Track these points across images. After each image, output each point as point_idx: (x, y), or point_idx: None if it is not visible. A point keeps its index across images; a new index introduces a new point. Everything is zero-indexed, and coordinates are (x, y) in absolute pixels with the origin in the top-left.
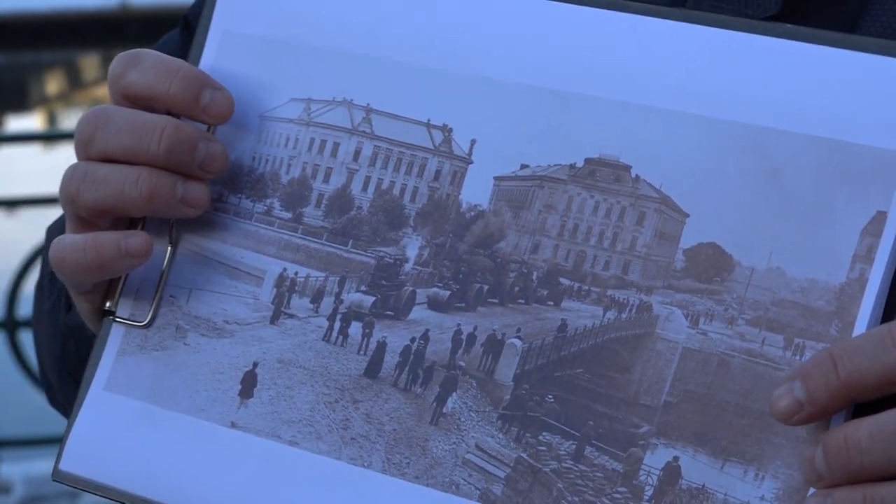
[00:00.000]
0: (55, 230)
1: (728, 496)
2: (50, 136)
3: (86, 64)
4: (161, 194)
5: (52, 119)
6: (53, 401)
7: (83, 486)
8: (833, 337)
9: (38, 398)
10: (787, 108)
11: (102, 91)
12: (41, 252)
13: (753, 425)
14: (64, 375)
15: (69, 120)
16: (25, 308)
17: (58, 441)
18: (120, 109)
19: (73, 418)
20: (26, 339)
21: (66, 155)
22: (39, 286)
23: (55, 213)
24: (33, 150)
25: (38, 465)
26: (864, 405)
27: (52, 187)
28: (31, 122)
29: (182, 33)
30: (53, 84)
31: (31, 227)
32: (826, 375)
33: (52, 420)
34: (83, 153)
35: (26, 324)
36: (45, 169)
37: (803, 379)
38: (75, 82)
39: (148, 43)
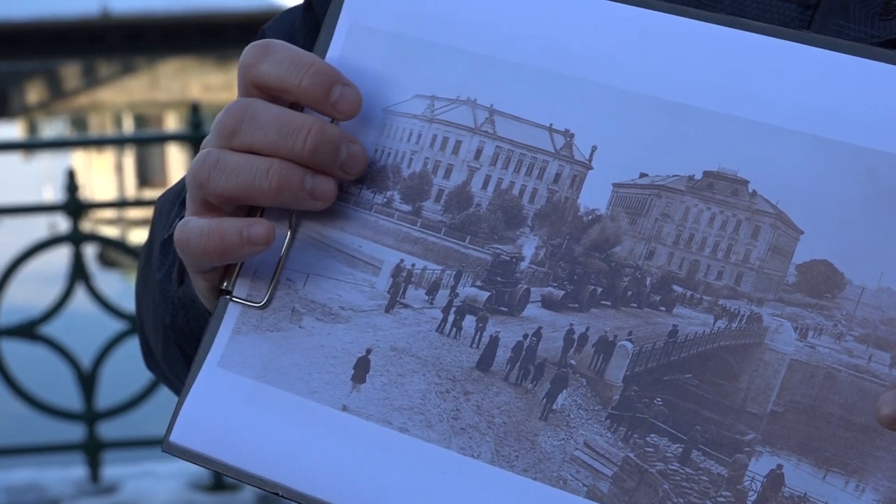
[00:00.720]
0: (165, 201)
1: None
2: (30, 145)
3: (66, 73)
4: (290, 187)
5: (32, 128)
6: (151, 365)
7: (192, 459)
8: None
9: (18, 407)
10: None
11: (83, 100)
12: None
13: (857, 438)
14: (170, 344)
15: (49, 129)
16: (7, 317)
17: (38, 450)
18: (266, 105)
19: (186, 392)
20: (6, 347)
21: (46, 164)
22: (147, 255)
23: (37, 221)
24: (14, 159)
25: (18, 475)
26: None
27: (33, 195)
28: (12, 130)
29: (305, 14)
30: (34, 93)
31: (12, 236)
32: None
33: (31, 429)
34: (224, 142)
35: (7, 332)
36: (25, 177)
37: None
38: (56, 91)
39: (129, 53)
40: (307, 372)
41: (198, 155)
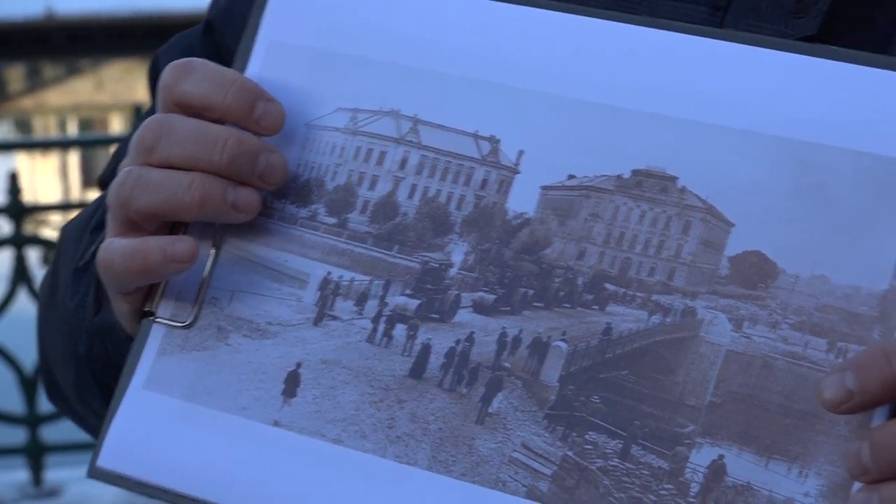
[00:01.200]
0: (73, 229)
1: (773, 493)
2: None
3: (10, 75)
4: (213, 199)
5: None
6: (54, 397)
7: (121, 483)
8: (876, 341)
9: None
10: (832, 124)
11: (28, 102)
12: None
13: (796, 424)
14: (84, 374)
15: None
16: None
17: None
18: (183, 119)
19: (111, 416)
20: None
21: None
22: (52, 284)
23: None
24: None
25: None
26: None
27: None
28: None
29: (205, 37)
30: None
31: None
32: (879, 368)
33: None
34: (143, 159)
35: None
36: None
37: (855, 370)
38: (1, 94)
39: (74, 54)
40: (236, 389)
41: (118, 175)
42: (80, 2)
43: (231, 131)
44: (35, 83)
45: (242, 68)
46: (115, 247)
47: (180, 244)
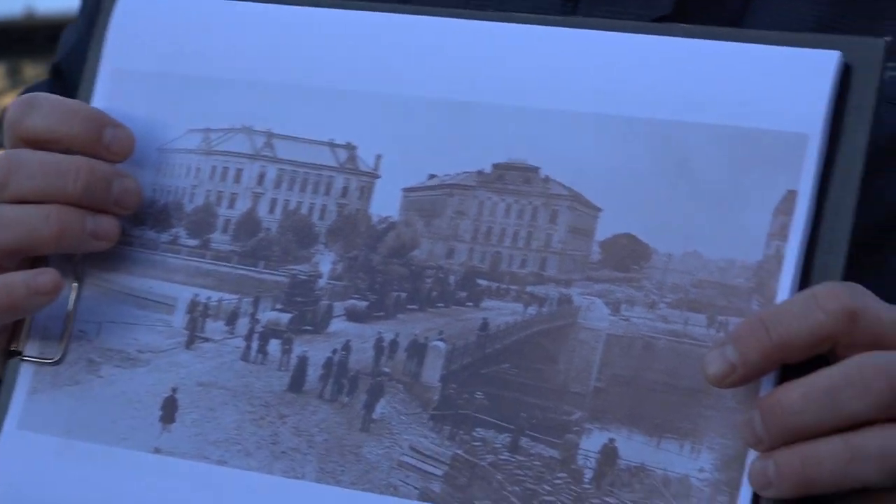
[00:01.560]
0: None
1: (667, 471)
2: None
3: None
4: (71, 230)
5: None
6: None
7: None
8: (754, 312)
9: None
10: (690, 101)
11: (8, 101)
12: None
13: (684, 402)
14: None
15: None
16: None
17: None
18: (31, 153)
19: None
20: None
21: None
22: None
23: None
24: None
25: None
26: (788, 372)
27: None
28: None
29: (54, 82)
30: None
31: None
32: (758, 338)
33: None
34: None
35: None
36: None
37: (735, 342)
38: None
39: (55, 53)
40: (113, 420)
41: None
42: (60, 1)
43: (82, 160)
44: (15, 82)
45: (88, 98)
46: None
47: (43, 276)
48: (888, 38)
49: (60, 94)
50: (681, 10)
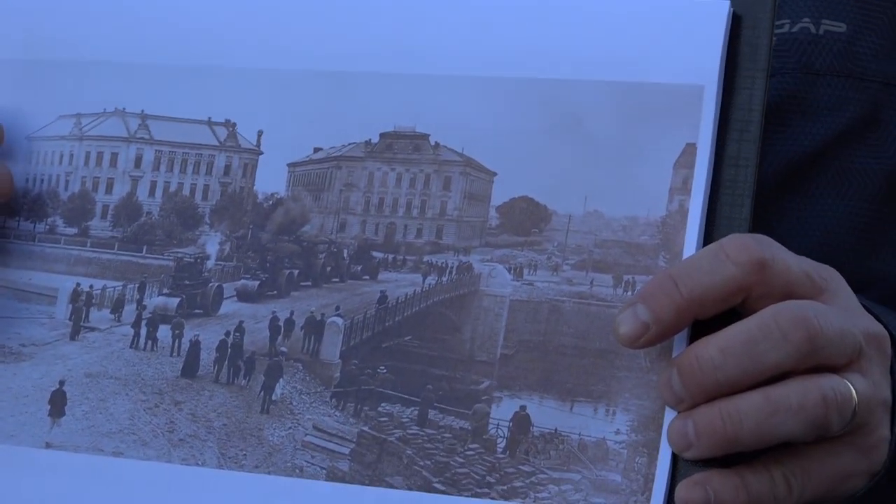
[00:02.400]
0: None
1: (582, 435)
2: None
3: None
4: None
5: None
6: None
7: None
8: (662, 268)
9: None
10: (580, 57)
11: None
12: None
13: (595, 364)
14: None
15: None
16: None
17: None
18: None
19: None
20: None
21: None
22: None
23: None
24: None
25: None
26: (699, 329)
27: None
28: None
29: None
30: None
31: None
32: (669, 295)
33: None
34: None
35: None
36: None
37: (646, 301)
38: None
39: None
40: (0, 418)
41: None
42: None
43: None
44: None
45: None
46: None
47: None
48: None
49: None
50: None
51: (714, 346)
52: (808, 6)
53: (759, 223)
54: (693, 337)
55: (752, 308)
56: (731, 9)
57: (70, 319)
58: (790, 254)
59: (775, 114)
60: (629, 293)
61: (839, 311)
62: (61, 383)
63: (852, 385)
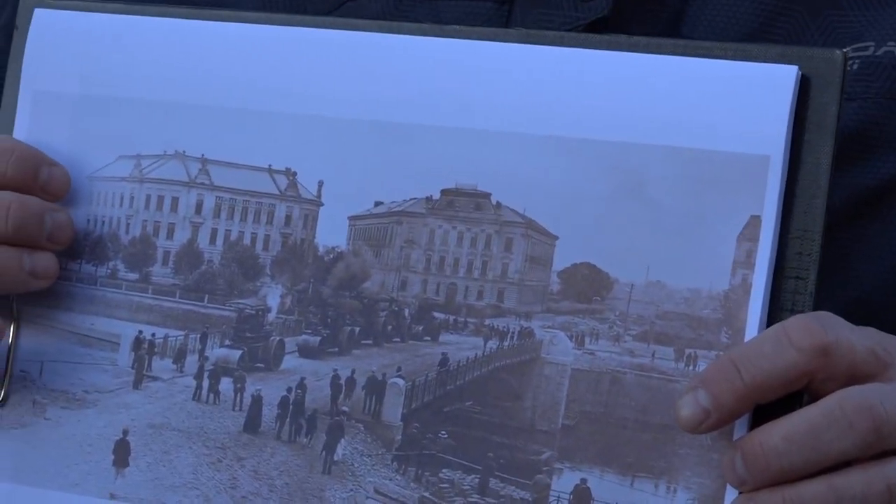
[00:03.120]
0: None
1: None
2: None
3: None
4: (9, 271)
5: None
6: None
7: None
8: (724, 344)
9: None
10: (644, 121)
11: None
12: None
13: (656, 438)
14: None
15: None
16: None
17: None
18: None
19: None
20: None
21: None
22: None
23: None
24: None
25: None
26: (760, 408)
27: None
28: None
29: None
30: None
31: None
32: (731, 381)
33: None
34: None
35: None
36: None
37: (706, 386)
38: None
39: None
40: (64, 465)
41: None
42: None
43: (11, 196)
44: None
45: (10, 121)
46: None
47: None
48: (846, 50)
49: None
50: (618, 10)
51: (778, 434)
52: (895, 29)
53: (834, 248)
54: (755, 416)
55: (816, 390)
56: (800, 72)
57: (133, 367)
58: (854, 330)
59: (857, 140)
60: (691, 367)
61: None
62: (125, 433)
63: None
